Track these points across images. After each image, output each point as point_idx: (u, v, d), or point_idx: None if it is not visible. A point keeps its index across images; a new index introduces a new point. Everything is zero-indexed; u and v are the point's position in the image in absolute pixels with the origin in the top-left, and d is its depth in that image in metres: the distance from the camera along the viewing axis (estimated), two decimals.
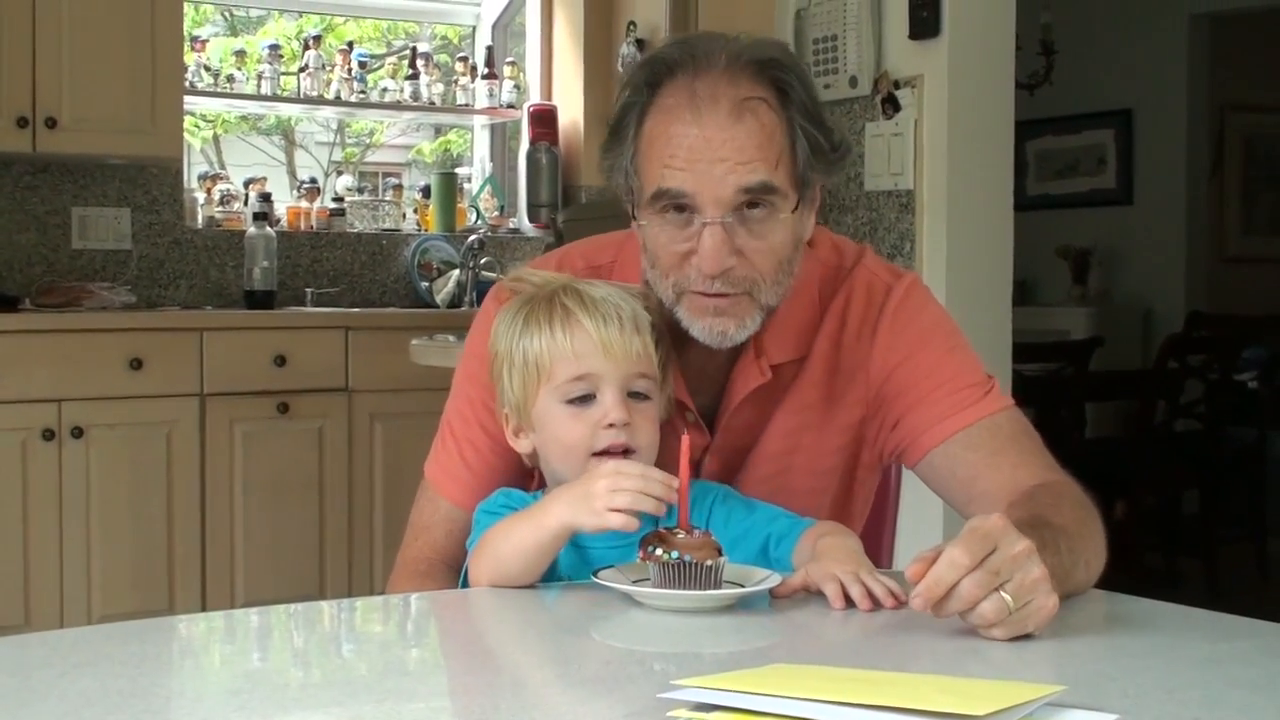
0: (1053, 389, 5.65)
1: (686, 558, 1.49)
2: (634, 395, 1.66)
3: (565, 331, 1.65)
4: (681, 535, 1.51)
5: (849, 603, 1.49)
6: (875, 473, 1.90)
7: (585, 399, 1.66)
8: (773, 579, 1.54)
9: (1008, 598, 1.35)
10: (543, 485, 1.76)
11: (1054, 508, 1.61)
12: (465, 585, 1.69)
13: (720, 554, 1.52)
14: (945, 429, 1.74)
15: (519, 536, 1.59)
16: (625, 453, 1.64)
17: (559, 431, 1.65)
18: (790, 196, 1.66)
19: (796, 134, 1.66)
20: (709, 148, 1.62)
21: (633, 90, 1.69)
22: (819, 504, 1.83)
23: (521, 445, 1.74)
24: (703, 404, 1.79)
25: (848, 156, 1.74)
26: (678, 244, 1.67)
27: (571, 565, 1.66)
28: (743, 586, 1.53)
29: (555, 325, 1.66)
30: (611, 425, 1.64)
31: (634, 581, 1.53)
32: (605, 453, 1.64)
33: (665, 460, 1.69)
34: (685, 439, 1.55)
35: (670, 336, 1.72)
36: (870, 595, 1.49)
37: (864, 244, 1.91)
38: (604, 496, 1.52)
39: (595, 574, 1.55)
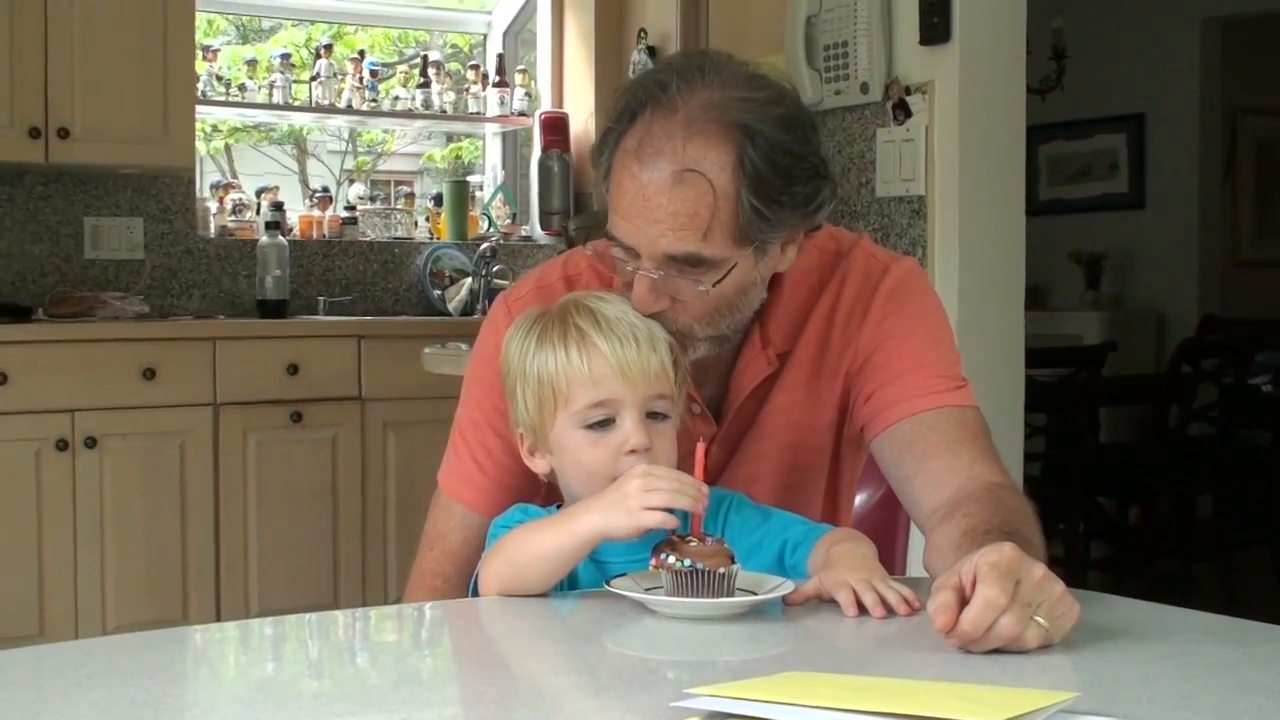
0: (1066, 394, 5.64)
1: (699, 565, 1.49)
2: (652, 415, 1.65)
3: (582, 355, 1.64)
4: (694, 543, 1.51)
5: (862, 610, 1.49)
6: (858, 451, 1.91)
7: (605, 423, 1.64)
8: (785, 586, 1.54)
9: (1044, 623, 1.35)
10: (551, 500, 1.75)
11: (1019, 516, 1.62)
12: (474, 593, 1.68)
13: (733, 561, 1.52)
14: (913, 406, 1.75)
15: (541, 543, 1.58)
16: None
17: (580, 457, 1.64)
18: (729, 259, 1.66)
19: (742, 205, 1.63)
20: (646, 206, 1.63)
21: (615, 117, 1.69)
22: (814, 481, 1.85)
23: (538, 465, 1.72)
24: (708, 394, 1.80)
25: (823, 210, 1.71)
26: (624, 276, 1.71)
27: (591, 579, 1.65)
28: (756, 594, 1.53)
29: (570, 348, 1.64)
30: (633, 451, 1.63)
31: (646, 590, 1.53)
32: None
33: (686, 454, 1.69)
34: (701, 446, 1.55)
35: None
36: (884, 603, 1.49)
37: (861, 232, 1.92)
38: (638, 496, 1.52)
39: (608, 582, 1.55)
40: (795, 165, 1.67)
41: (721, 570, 1.49)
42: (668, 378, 1.66)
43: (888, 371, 1.78)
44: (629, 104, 1.67)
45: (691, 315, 1.69)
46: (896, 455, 1.77)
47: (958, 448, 1.72)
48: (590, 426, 1.65)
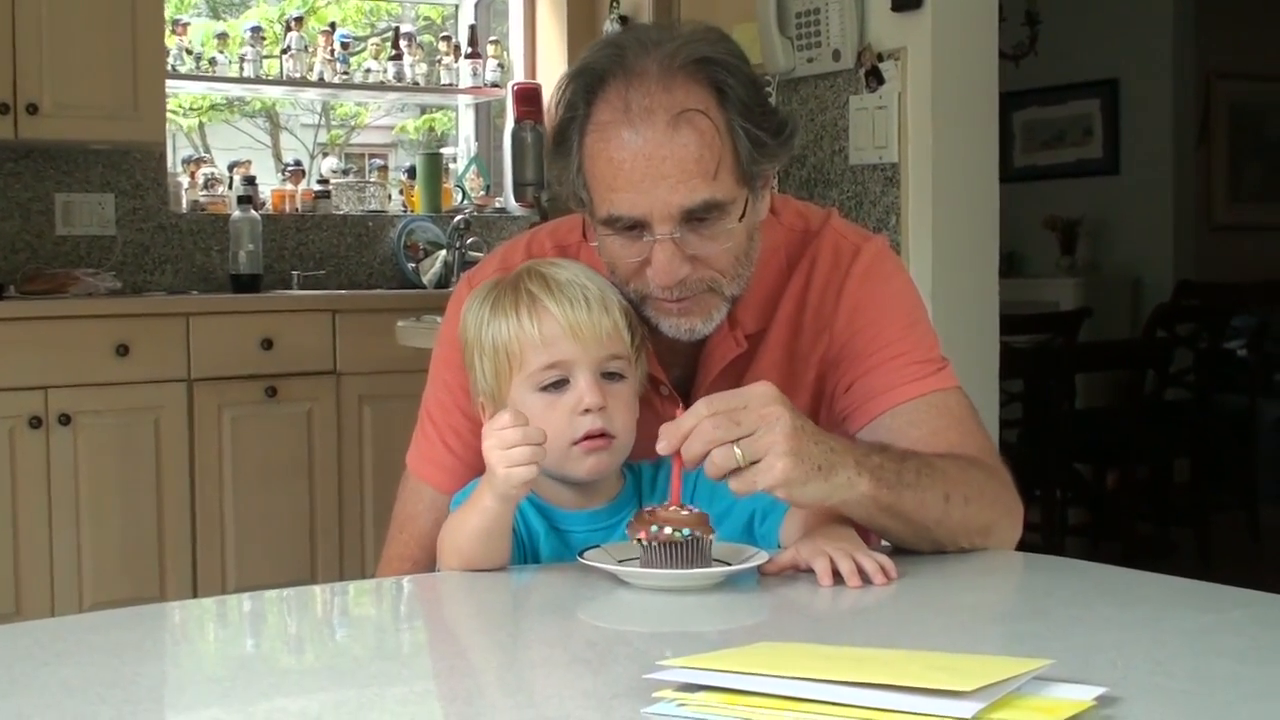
0: (1042, 360, 5.64)
1: (683, 532, 1.48)
2: (608, 376, 1.65)
3: (532, 318, 1.64)
4: (672, 510, 1.50)
5: (838, 579, 1.48)
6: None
7: (558, 385, 1.64)
8: (760, 556, 1.53)
9: (738, 451, 1.45)
10: None
11: (942, 458, 1.65)
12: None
13: (711, 530, 1.51)
14: (894, 397, 1.74)
15: (465, 523, 1.59)
16: (603, 436, 1.63)
17: (536, 421, 1.63)
18: (738, 199, 1.65)
19: (737, 134, 1.63)
20: (649, 164, 1.60)
21: (568, 105, 1.66)
22: None
23: None
24: (676, 376, 1.78)
25: (795, 138, 1.71)
26: (632, 257, 1.67)
27: (554, 550, 1.65)
28: (730, 565, 1.52)
29: (522, 312, 1.64)
30: (587, 411, 1.63)
31: (620, 561, 1.52)
32: (586, 438, 1.63)
33: (644, 436, 1.68)
34: (679, 414, 1.54)
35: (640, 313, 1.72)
36: (860, 571, 1.48)
37: (830, 208, 1.91)
38: (501, 464, 1.52)
39: (581, 554, 1.55)
40: (759, 88, 1.69)
41: (696, 534, 1.49)
42: (621, 340, 1.66)
43: (866, 362, 1.76)
44: (583, 89, 1.65)
45: (718, 269, 1.67)
46: None
47: (940, 436, 1.71)
48: (545, 389, 1.65)
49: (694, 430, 1.46)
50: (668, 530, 1.49)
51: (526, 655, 1.37)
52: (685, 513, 1.50)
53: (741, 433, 1.46)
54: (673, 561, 1.49)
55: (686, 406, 1.75)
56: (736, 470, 1.46)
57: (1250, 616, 1.42)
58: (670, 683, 1.12)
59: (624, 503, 1.65)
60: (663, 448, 1.47)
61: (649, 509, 1.52)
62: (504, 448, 1.52)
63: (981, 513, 1.66)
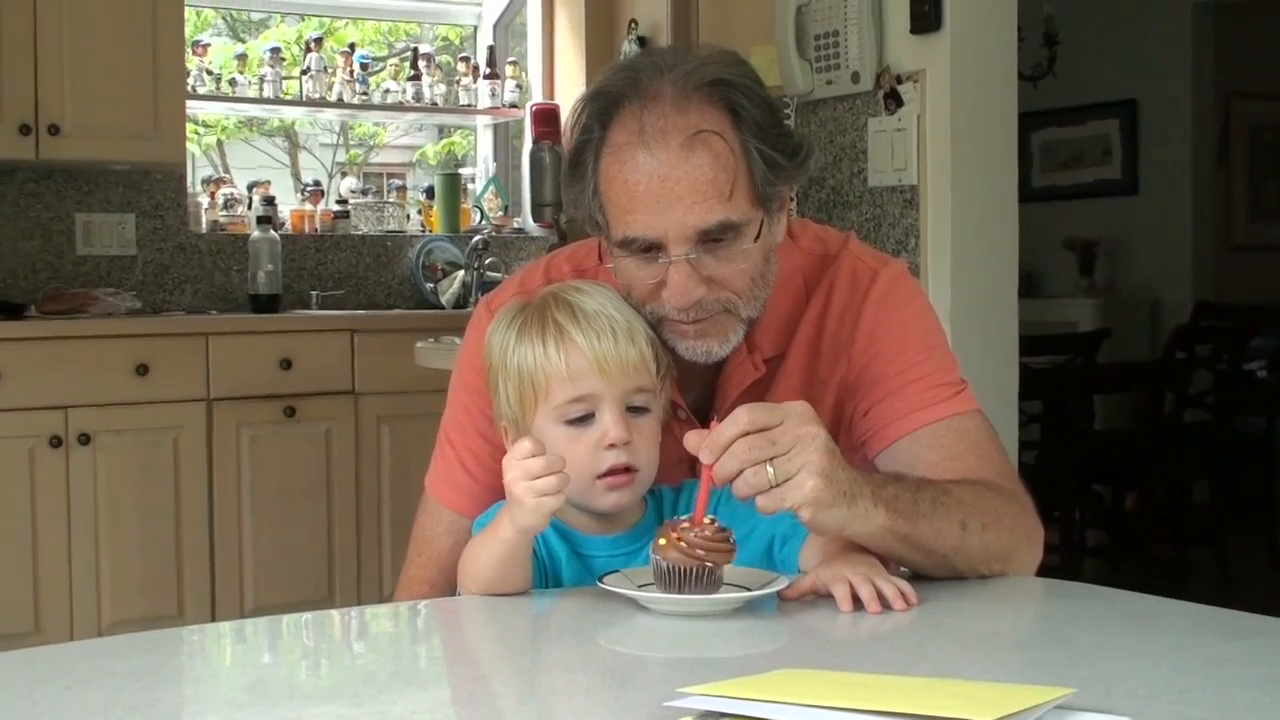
0: (1061, 381, 5.63)
1: (680, 565, 1.47)
2: (633, 410, 1.65)
3: (560, 350, 1.63)
4: (694, 531, 1.49)
5: (858, 605, 1.48)
6: (852, 459, 1.89)
7: (584, 419, 1.64)
8: (780, 581, 1.53)
9: (771, 470, 1.45)
10: None
11: (958, 485, 1.64)
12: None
13: (731, 543, 1.50)
14: (913, 421, 1.73)
15: (485, 550, 1.59)
16: (626, 471, 1.63)
17: (560, 452, 1.62)
18: (753, 220, 1.65)
19: (752, 156, 1.63)
20: (664, 186, 1.60)
21: (583, 129, 1.67)
22: None
23: None
24: (694, 400, 1.78)
25: (810, 160, 1.71)
26: (648, 279, 1.66)
27: (575, 574, 1.65)
28: (750, 590, 1.52)
29: (548, 342, 1.64)
30: (612, 446, 1.62)
31: (640, 587, 1.52)
32: (609, 473, 1.63)
33: (666, 461, 1.68)
34: (714, 426, 1.52)
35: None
36: (880, 597, 1.48)
37: (849, 231, 1.90)
38: (528, 495, 1.51)
39: (601, 579, 1.54)
40: (775, 110, 1.69)
41: (708, 566, 1.48)
42: (648, 371, 1.65)
43: (884, 386, 1.76)
44: (597, 113, 1.66)
45: (734, 290, 1.67)
46: None
47: (957, 462, 1.71)
48: (570, 422, 1.64)
49: (731, 450, 1.45)
50: (663, 552, 1.48)
51: (546, 680, 1.37)
52: (709, 529, 1.49)
53: (776, 452, 1.46)
54: (686, 584, 1.48)
55: None
56: (767, 489, 1.46)
57: (1273, 644, 1.41)
58: (690, 710, 1.12)
59: (645, 528, 1.65)
60: (706, 457, 1.46)
61: (672, 523, 1.51)
62: (529, 478, 1.51)
63: (1000, 539, 1.65)
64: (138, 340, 4.37)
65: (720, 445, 1.46)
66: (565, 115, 5.72)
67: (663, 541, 1.49)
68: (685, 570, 1.47)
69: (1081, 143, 7.76)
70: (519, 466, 1.52)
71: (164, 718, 1.22)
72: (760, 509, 1.48)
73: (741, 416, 1.47)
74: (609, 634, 1.47)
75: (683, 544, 1.48)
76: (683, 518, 1.52)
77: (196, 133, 6.05)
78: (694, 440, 1.49)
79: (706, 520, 1.50)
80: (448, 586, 1.80)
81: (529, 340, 1.65)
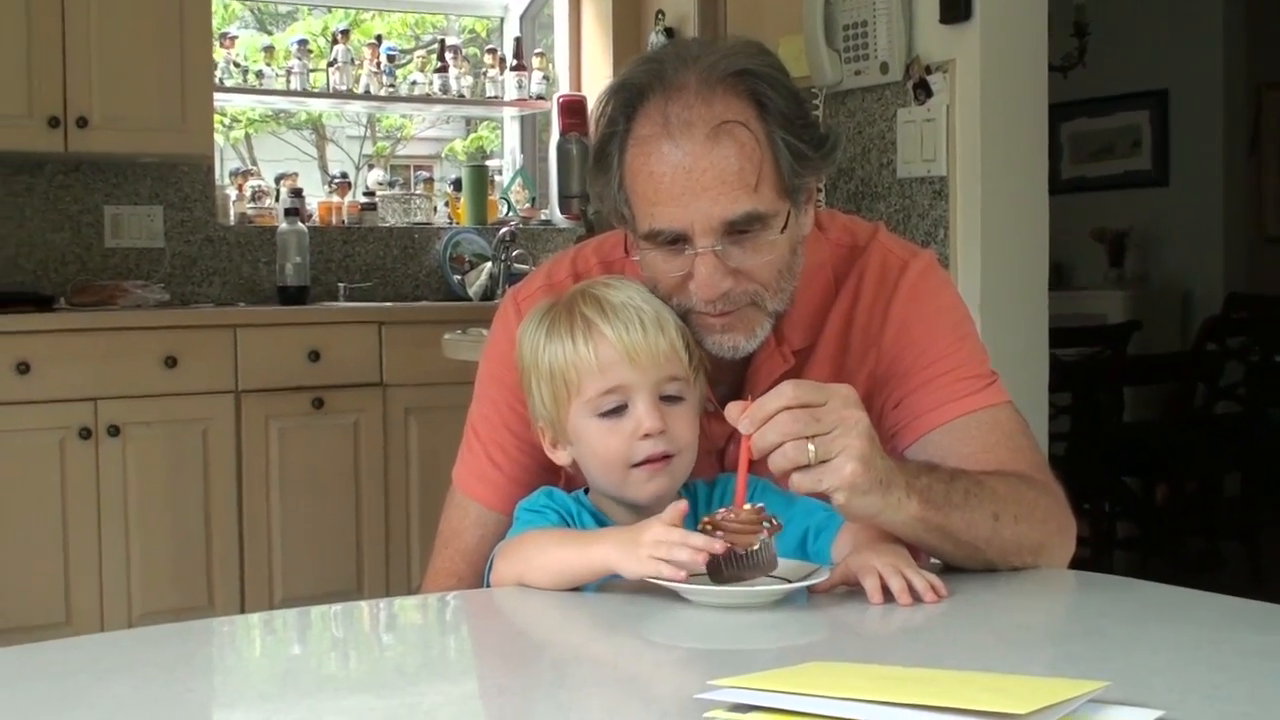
0: (1091, 373, 5.60)
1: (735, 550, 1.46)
2: (666, 399, 1.64)
3: (588, 343, 1.62)
4: (733, 516, 1.48)
5: (888, 597, 1.47)
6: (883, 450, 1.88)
7: (618, 410, 1.63)
8: (822, 573, 1.52)
9: (812, 447, 1.44)
10: (573, 486, 1.74)
11: (991, 476, 1.63)
12: (487, 581, 1.68)
13: (762, 524, 1.48)
14: (944, 414, 1.73)
15: (555, 555, 1.57)
16: (665, 458, 1.62)
17: (595, 446, 1.62)
18: (780, 212, 1.64)
19: (778, 146, 1.62)
20: (689, 177, 1.60)
21: (609, 121, 1.66)
22: None
23: (561, 458, 1.71)
24: (723, 393, 1.76)
25: (837, 151, 1.70)
26: (674, 271, 1.66)
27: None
28: (788, 581, 1.51)
29: (577, 337, 1.63)
30: (647, 435, 1.61)
31: (691, 578, 1.51)
32: (645, 462, 1.62)
33: (703, 451, 1.68)
34: (747, 441, 1.51)
35: None
36: (911, 589, 1.47)
37: (877, 222, 1.89)
38: (651, 546, 1.48)
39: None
40: (801, 100, 1.68)
41: (755, 547, 1.47)
42: (679, 360, 1.64)
43: (914, 378, 1.75)
44: (622, 105, 1.65)
45: (760, 282, 1.66)
46: None
47: (989, 454, 1.70)
48: (604, 415, 1.63)
49: (773, 422, 1.44)
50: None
51: (577, 672, 1.36)
52: (748, 514, 1.48)
53: (819, 430, 1.45)
54: (731, 568, 1.47)
55: None
56: (804, 466, 1.45)
57: None
58: (721, 703, 1.11)
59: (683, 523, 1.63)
60: (745, 426, 1.45)
61: (710, 515, 1.50)
62: (669, 540, 1.47)
63: (1032, 531, 1.64)
64: (166, 332, 4.38)
65: (762, 416, 1.45)
66: (592, 107, 5.73)
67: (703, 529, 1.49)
68: (723, 555, 1.46)
69: (1111, 134, 7.72)
70: (666, 529, 1.49)
71: (195, 708, 1.22)
72: (794, 486, 1.47)
73: (786, 390, 1.46)
74: (640, 626, 1.46)
75: (709, 526, 1.48)
76: (724, 508, 1.51)
77: (224, 125, 6.06)
78: (734, 411, 1.48)
79: (746, 507, 1.49)
80: (474, 579, 1.79)
81: (558, 337, 1.65)
